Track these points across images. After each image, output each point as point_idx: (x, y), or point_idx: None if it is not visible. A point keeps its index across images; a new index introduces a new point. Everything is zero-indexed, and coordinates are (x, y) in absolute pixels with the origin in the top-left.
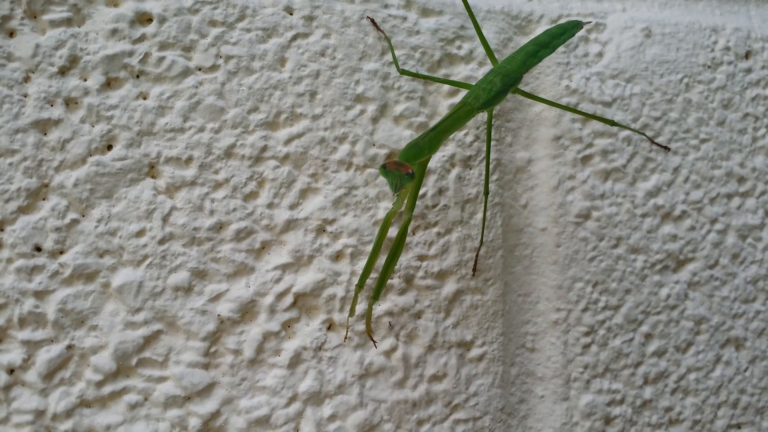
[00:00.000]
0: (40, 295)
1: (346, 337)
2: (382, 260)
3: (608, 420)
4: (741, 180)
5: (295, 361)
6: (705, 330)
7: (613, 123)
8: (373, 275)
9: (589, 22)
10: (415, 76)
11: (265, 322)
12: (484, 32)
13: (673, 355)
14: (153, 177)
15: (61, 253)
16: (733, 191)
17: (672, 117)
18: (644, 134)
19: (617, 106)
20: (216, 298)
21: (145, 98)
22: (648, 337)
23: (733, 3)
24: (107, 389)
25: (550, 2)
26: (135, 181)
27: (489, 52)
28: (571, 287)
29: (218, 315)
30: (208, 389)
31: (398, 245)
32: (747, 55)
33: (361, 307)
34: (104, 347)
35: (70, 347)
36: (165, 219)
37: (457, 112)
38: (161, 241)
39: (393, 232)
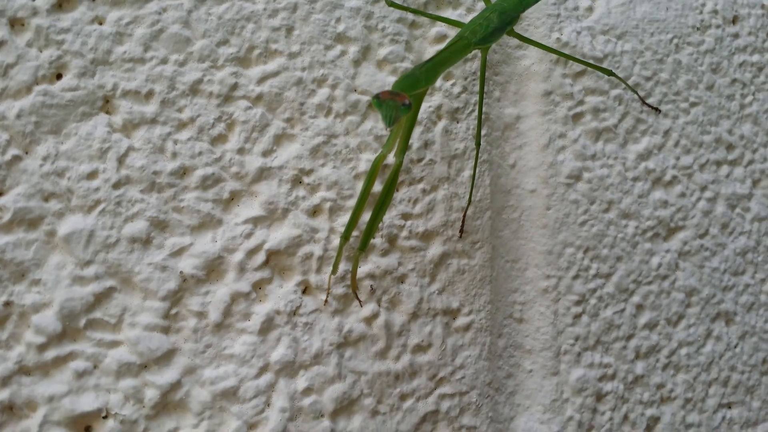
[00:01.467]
0: None
1: (326, 300)
2: (368, 211)
3: (600, 397)
4: (729, 147)
5: (266, 326)
6: (696, 303)
7: (610, 73)
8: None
9: None
10: (405, 9)
11: (233, 282)
12: None
13: (665, 328)
14: (108, 112)
15: (0, 194)
16: (722, 158)
17: (662, 78)
18: (637, 92)
19: (608, 63)
20: (178, 252)
21: (101, 23)
22: (639, 308)
23: None
24: (51, 354)
25: None
26: (87, 116)
27: None
28: (561, 253)
29: (180, 272)
30: (167, 356)
31: (388, 191)
32: (734, 20)
33: (342, 268)
34: (48, 305)
35: (7, 304)
36: (121, 160)
37: (453, 46)
38: (116, 185)
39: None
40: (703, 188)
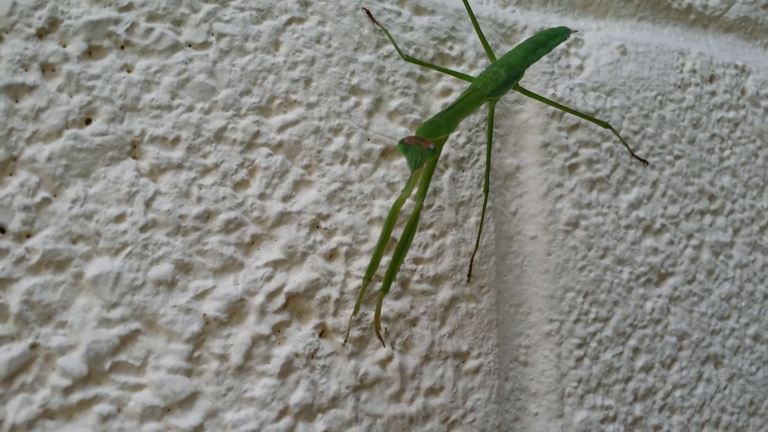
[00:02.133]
0: (2, 283)
1: (346, 340)
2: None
3: None
4: (711, 198)
5: (286, 369)
6: (687, 346)
7: (606, 125)
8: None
9: (576, 31)
10: (420, 63)
11: (254, 325)
12: (472, 38)
13: (659, 370)
14: (135, 157)
15: (29, 236)
16: (705, 208)
17: (649, 132)
18: (627, 145)
19: (599, 117)
20: (202, 295)
21: (129, 71)
22: (636, 351)
23: (694, 31)
24: (76, 397)
25: (531, 15)
26: (116, 160)
27: (487, 47)
28: (563, 297)
29: (204, 314)
30: (190, 399)
31: (409, 233)
32: (711, 79)
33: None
34: (74, 347)
35: (34, 346)
36: (148, 204)
37: (468, 97)
38: (143, 229)
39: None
40: (690, 236)
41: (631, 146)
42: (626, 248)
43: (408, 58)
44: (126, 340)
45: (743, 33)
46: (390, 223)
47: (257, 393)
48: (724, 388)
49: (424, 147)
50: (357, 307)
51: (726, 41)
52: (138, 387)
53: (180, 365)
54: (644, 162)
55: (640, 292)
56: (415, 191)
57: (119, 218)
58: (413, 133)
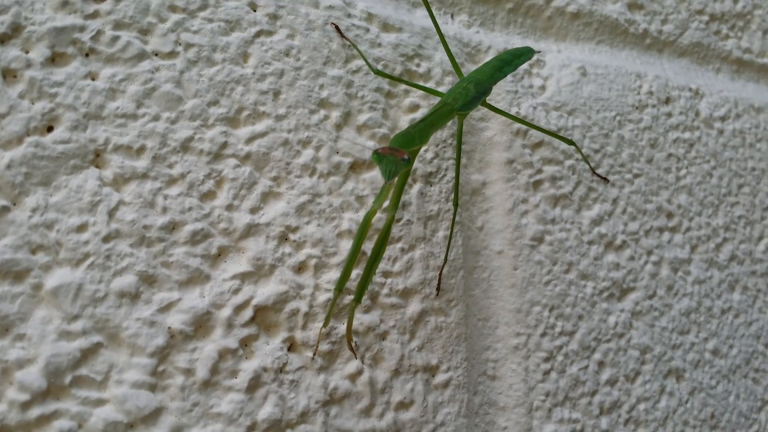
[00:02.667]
0: None
1: (315, 354)
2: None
3: None
4: (669, 215)
5: (253, 384)
6: (649, 360)
7: (570, 142)
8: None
9: (539, 51)
10: (390, 78)
11: (221, 338)
12: (439, 55)
13: (624, 384)
14: (99, 166)
15: None
16: (663, 225)
17: (609, 151)
18: (588, 163)
19: (561, 135)
20: (166, 307)
21: (94, 78)
22: (601, 364)
23: (649, 55)
24: (34, 413)
25: (495, 36)
26: (78, 169)
27: (455, 64)
28: (529, 311)
29: (169, 328)
30: (154, 415)
31: (381, 245)
32: (667, 101)
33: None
34: (32, 361)
35: None
36: (111, 214)
37: (439, 110)
38: (105, 239)
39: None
40: (649, 252)
41: (592, 164)
42: (589, 263)
43: (378, 72)
44: (87, 354)
45: (696, 58)
46: (361, 234)
47: (224, 408)
48: (686, 402)
49: (398, 157)
50: (327, 319)
51: (680, 65)
52: (100, 402)
53: (144, 380)
54: (605, 180)
55: (603, 307)
56: (386, 203)
57: (81, 228)
58: (385, 145)
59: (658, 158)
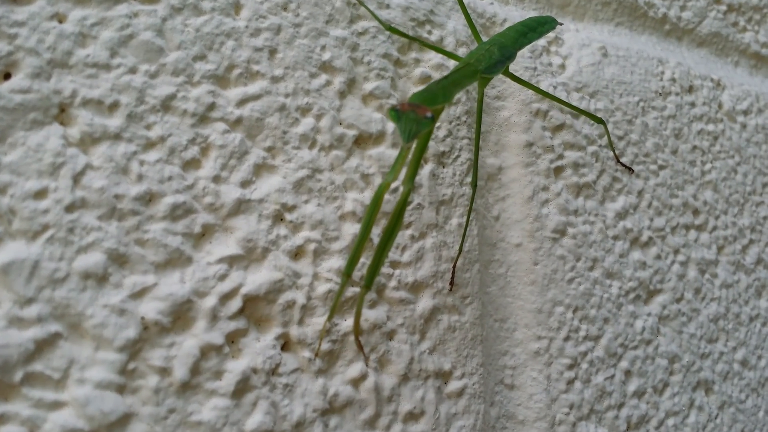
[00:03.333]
0: None
1: (317, 353)
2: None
3: None
4: (695, 212)
5: (241, 388)
6: (678, 370)
7: (600, 120)
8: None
9: (561, 24)
10: (404, 36)
11: (203, 332)
12: (452, 23)
13: (652, 396)
14: (63, 123)
15: None
16: (690, 223)
17: (633, 138)
18: (614, 150)
19: (584, 120)
20: (140, 293)
21: (61, 21)
22: (628, 374)
23: (669, 42)
24: None
25: (510, 10)
26: (39, 124)
27: (473, 28)
28: (551, 312)
29: (142, 318)
30: (122, 422)
31: (395, 223)
32: (690, 90)
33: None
34: None
35: None
36: (76, 179)
37: (462, 70)
38: (69, 209)
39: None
40: (676, 251)
41: (616, 151)
42: (615, 261)
43: (391, 29)
44: (43, 346)
45: (715, 49)
46: (373, 210)
47: (205, 416)
48: (716, 417)
49: (420, 115)
50: (333, 311)
51: (699, 55)
52: (57, 405)
53: (111, 379)
54: (630, 169)
55: (630, 309)
56: (402, 175)
57: (40, 194)
58: (404, 101)
59: (683, 150)
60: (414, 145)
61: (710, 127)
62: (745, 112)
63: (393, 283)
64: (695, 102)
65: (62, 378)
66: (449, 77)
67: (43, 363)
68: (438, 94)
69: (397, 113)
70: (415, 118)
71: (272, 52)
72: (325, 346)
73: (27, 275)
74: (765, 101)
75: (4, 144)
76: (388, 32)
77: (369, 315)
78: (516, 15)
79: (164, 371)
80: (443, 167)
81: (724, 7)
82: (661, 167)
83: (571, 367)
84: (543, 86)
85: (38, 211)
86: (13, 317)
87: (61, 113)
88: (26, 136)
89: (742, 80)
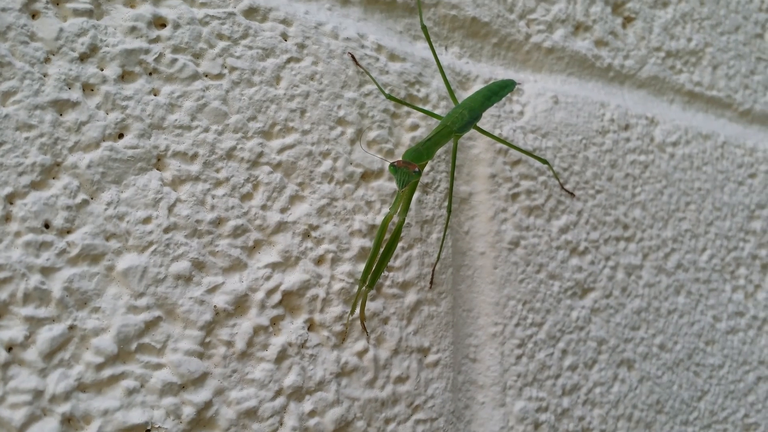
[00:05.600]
0: (46, 271)
1: (345, 335)
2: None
3: (537, 425)
4: (625, 227)
5: (280, 356)
6: (605, 350)
7: (544, 161)
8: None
9: (520, 84)
10: (398, 101)
11: (255, 317)
12: (435, 82)
13: (583, 370)
14: (160, 169)
15: (69, 232)
16: (620, 235)
17: (575, 169)
18: (558, 179)
19: (537, 155)
20: (213, 289)
21: (156, 94)
22: (564, 352)
23: (612, 87)
24: (106, 373)
25: (481, 67)
26: (144, 170)
27: (450, 91)
28: (506, 304)
29: (214, 306)
30: (201, 379)
31: (393, 242)
32: (626, 127)
33: (341, 309)
34: (105, 330)
35: (71, 328)
36: (170, 209)
37: (440, 132)
38: (166, 230)
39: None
40: (607, 258)
41: (561, 180)
42: (557, 265)
43: (389, 96)
44: (149, 326)
45: (653, 89)
46: (381, 235)
47: (257, 375)
48: (636, 388)
49: (410, 169)
50: (354, 307)
51: (639, 96)
52: (158, 366)
53: (194, 349)
54: (572, 194)
55: (567, 303)
56: (399, 208)
57: (146, 220)
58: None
59: (617, 177)
60: (407, 189)
61: (642, 157)
62: (674, 144)
63: (388, 282)
64: (630, 137)
65: (162, 347)
66: (431, 138)
67: (149, 337)
68: (423, 153)
69: (394, 168)
70: (407, 172)
71: (302, 111)
72: (338, 328)
73: (139, 277)
74: (692, 133)
75: (120, 185)
76: (387, 91)
77: (370, 306)
78: (486, 71)
79: (229, 343)
80: (427, 194)
81: (663, 54)
82: (598, 191)
83: (519, 346)
84: (505, 129)
85: (145, 232)
86: (130, 306)
87: (158, 162)
88: (135, 179)
89: (674, 116)
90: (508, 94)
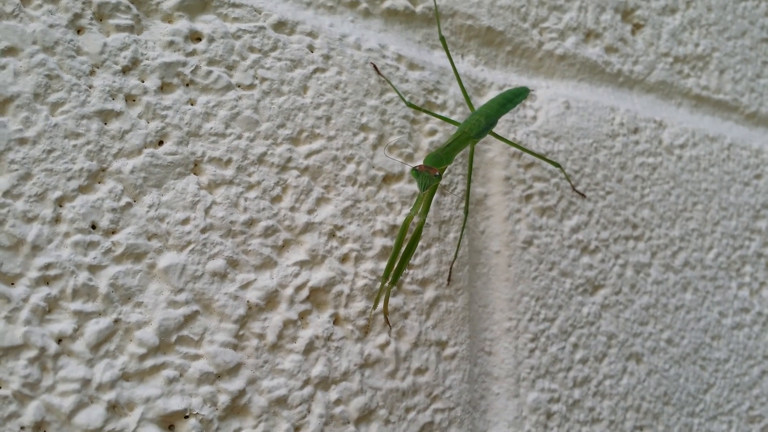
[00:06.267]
0: (93, 269)
1: (368, 328)
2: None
3: (549, 415)
4: (634, 226)
5: (308, 348)
6: (614, 344)
7: (556, 164)
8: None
9: (533, 90)
10: (419, 109)
11: (285, 311)
12: (452, 89)
13: (593, 363)
14: (197, 173)
15: (114, 232)
16: (629, 235)
17: (586, 171)
18: (570, 181)
19: (549, 158)
20: (246, 285)
21: (193, 104)
22: (575, 346)
23: (622, 91)
24: (148, 363)
25: (496, 74)
26: (182, 175)
27: (467, 98)
28: (519, 300)
29: (247, 301)
30: (236, 369)
31: (414, 242)
32: (636, 131)
33: (364, 304)
34: (148, 323)
35: (117, 321)
36: (206, 211)
37: (458, 138)
38: (203, 230)
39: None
40: (617, 256)
41: (573, 182)
42: (568, 263)
43: (409, 104)
44: (188, 319)
45: (661, 94)
46: (402, 235)
47: (287, 366)
48: (644, 381)
49: (431, 174)
50: (377, 302)
51: (648, 100)
52: (196, 357)
53: (229, 341)
54: (583, 195)
55: (578, 299)
56: (420, 210)
57: (184, 221)
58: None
59: (627, 179)
60: (427, 192)
61: (650, 159)
62: (682, 146)
63: (408, 279)
64: (639, 140)
65: (199, 339)
66: (450, 144)
67: (188, 330)
68: (443, 158)
69: (416, 172)
70: (428, 176)
71: (328, 119)
72: (362, 322)
73: (179, 274)
74: (699, 136)
75: (161, 189)
76: (407, 98)
77: (391, 301)
78: (501, 78)
79: (261, 336)
80: (444, 196)
81: (671, 59)
82: (608, 193)
83: (532, 340)
84: (519, 134)
85: (184, 232)
86: (170, 301)
87: (195, 167)
88: (175, 183)
89: (682, 119)
90: (522, 101)
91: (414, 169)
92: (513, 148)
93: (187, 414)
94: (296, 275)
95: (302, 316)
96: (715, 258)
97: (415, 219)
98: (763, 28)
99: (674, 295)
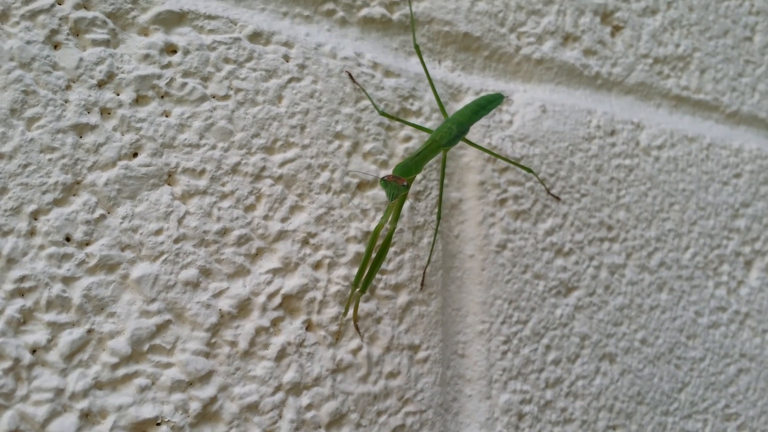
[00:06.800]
0: (67, 281)
1: (340, 334)
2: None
3: (521, 416)
4: (609, 228)
5: (280, 354)
6: (587, 345)
7: (529, 170)
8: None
9: (508, 97)
10: (391, 117)
11: (257, 319)
12: (428, 96)
13: (566, 364)
14: (171, 184)
15: (88, 244)
16: (604, 236)
17: (561, 174)
18: (544, 185)
19: (524, 162)
20: (218, 294)
21: (168, 116)
22: (548, 348)
23: (600, 93)
24: (120, 372)
25: (473, 79)
26: (156, 186)
27: (441, 105)
28: (492, 303)
29: (220, 309)
30: (207, 376)
31: (384, 249)
32: (612, 133)
33: (337, 310)
34: (121, 333)
35: (90, 331)
36: (180, 221)
37: (429, 146)
38: (176, 240)
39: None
40: (591, 258)
41: (547, 185)
42: (542, 266)
43: (382, 113)
44: (160, 328)
45: (640, 95)
46: (372, 243)
47: (258, 372)
48: (617, 381)
49: (399, 183)
50: (346, 310)
51: (626, 101)
52: (168, 365)
53: (201, 349)
54: (558, 198)
55: (551, 301)
56: (390, 218)
57: (158, 232)
58: (389, 172)
59: (602, 181)
60: (396, 201)
61: (627, 161)
62: (659, 147)
63: (381, 284)
64: (615, 143)
65: (171, 348)
66: (420, 153)
67: (160, 338)
68: (411, 167)
69: (384, 182)
70: (396, 186)
71: (302, 127)
72: (334, 328)
73: (151, 284)
74: (678, 136)
75: (134, 200)
76: (381, 106)
77: (364, 306)
78: (477, 83)
79: (233, 343)
80: (419, 202)
81: (650, 60)
82: (583, 195)
83: (505, 342)
84: (494, 138)
85: (157, 243)
86: (143, 310)
87: (169, 178)
88: (149, 194)
89: (661, 120)
90: (497, 107)
91: (382, 179)
92: (488, 154)
93: (159, 421)
94: (269, 283)
95: (275, 323)
96: (692, 258)
97: (386, 227)
98: (746, 27)
99: (649, 296)
